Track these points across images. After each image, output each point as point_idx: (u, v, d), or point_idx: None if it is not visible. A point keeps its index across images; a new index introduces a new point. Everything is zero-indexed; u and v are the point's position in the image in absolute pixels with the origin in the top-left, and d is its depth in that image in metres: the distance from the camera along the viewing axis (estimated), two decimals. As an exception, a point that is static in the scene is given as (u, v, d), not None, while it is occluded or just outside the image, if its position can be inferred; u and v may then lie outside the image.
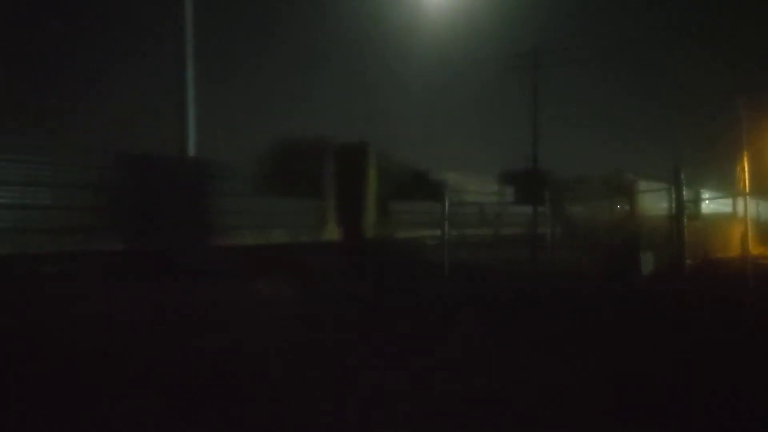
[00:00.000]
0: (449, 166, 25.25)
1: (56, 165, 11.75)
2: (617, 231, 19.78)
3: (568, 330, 6.46)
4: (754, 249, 11.45)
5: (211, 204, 14.30)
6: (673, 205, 11.58)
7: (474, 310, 7.66)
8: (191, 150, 17.50)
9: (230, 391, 4.41)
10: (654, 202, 26.01)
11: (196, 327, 6.61)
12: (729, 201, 26.74)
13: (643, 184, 27.55)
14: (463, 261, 12.36)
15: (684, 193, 11.38)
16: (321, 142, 17.80)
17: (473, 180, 23.58)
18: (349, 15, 48.42)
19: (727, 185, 29.72)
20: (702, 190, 29.98)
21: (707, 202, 25.71)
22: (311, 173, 17.02)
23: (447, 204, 12.53)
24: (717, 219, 22.26)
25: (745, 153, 13.35)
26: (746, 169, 13.60)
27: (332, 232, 16.58)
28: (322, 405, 4.12)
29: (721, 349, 5.59)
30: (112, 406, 4.14)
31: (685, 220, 11.20)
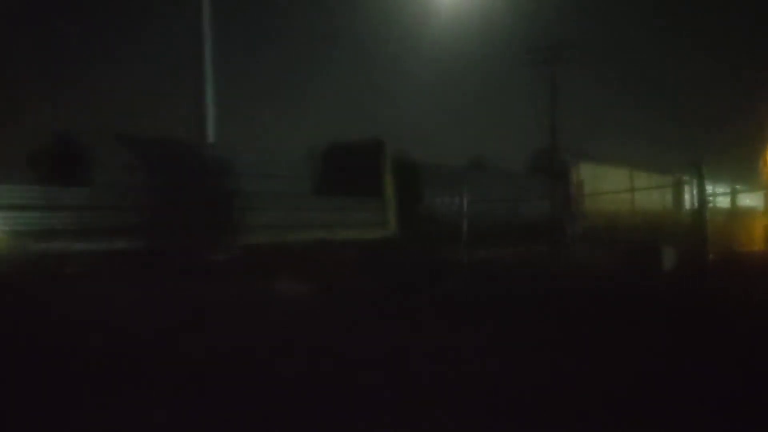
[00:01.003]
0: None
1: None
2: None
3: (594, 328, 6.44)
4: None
5: None
6: (695, 200, 11.45)
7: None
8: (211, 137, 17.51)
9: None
10: (609, 188, 21.07)
11: None
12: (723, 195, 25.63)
13: (586, 168, 21.93)
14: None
15: (687, 188, 11.26)
16: None
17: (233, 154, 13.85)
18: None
19: (730, 180, 28.99)
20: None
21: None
22: None
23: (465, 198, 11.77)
24: (740, 213, 21.81)
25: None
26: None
27: None
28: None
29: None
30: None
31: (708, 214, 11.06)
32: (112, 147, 11.84)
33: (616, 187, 22.87)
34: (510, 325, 6.70)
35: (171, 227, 11.57)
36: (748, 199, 30.42)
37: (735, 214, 21.75)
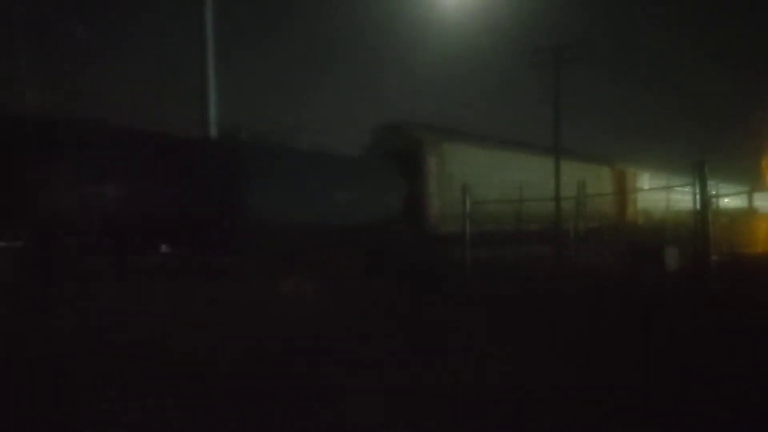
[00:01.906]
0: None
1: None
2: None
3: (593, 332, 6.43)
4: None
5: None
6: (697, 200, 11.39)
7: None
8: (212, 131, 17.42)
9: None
10: (483, 176, 14.72)
11: None
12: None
13: (451, 151, 15.58)
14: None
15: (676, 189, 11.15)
16: None
17: None
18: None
19: (733, 181, 28.28)
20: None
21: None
22: None
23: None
24: (742, 215, 21.58)
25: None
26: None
27: None
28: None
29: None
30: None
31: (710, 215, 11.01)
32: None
33: (500, 179, 16.15)
34: (515, 325, 6.70)
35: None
36: (753, 201, 30.30)
37: (737, 215, 21.64)
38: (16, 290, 8.23)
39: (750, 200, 24.09)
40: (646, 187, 24.38)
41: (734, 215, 20.01)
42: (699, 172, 11.39)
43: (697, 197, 10.49)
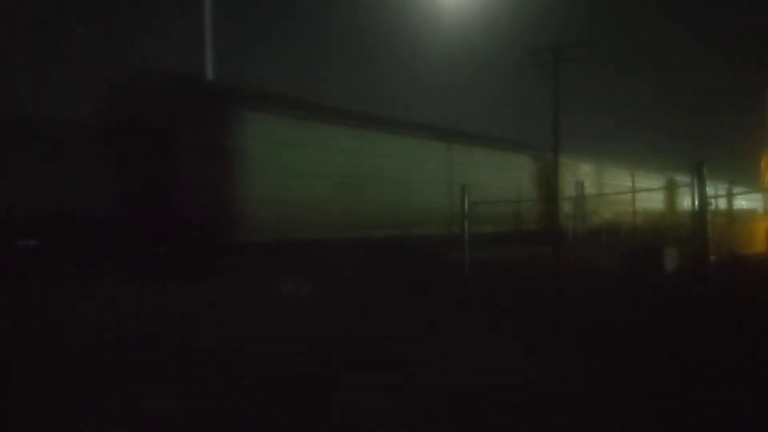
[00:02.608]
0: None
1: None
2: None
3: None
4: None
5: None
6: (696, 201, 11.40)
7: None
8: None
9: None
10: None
11: None
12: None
13: (262, 126, 10.83)
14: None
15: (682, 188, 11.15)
16: None
17: None
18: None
19: (731, 181, 27.84)
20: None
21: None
22: None
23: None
24: (740, 215, 21.53)
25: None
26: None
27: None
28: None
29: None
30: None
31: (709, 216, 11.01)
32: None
33: (337, 166, 12.28)
34: (516, 327, 6.69)
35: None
36: (748, 201, 30.36)
37: (736, 216, 21.55)
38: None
39: (729, 202, 23.78)
40: (586, 182, 21.10)
41: (731, 216, 19.98)
42: (697, 173, 11.40)
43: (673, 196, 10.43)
